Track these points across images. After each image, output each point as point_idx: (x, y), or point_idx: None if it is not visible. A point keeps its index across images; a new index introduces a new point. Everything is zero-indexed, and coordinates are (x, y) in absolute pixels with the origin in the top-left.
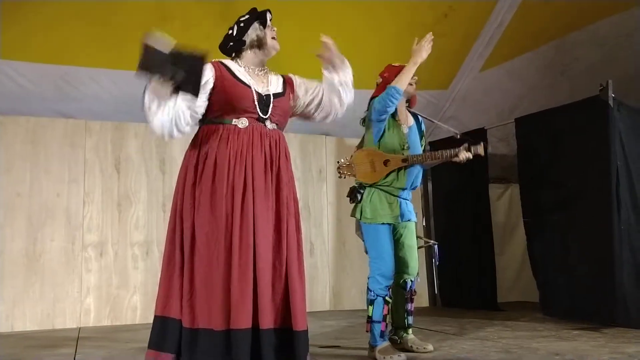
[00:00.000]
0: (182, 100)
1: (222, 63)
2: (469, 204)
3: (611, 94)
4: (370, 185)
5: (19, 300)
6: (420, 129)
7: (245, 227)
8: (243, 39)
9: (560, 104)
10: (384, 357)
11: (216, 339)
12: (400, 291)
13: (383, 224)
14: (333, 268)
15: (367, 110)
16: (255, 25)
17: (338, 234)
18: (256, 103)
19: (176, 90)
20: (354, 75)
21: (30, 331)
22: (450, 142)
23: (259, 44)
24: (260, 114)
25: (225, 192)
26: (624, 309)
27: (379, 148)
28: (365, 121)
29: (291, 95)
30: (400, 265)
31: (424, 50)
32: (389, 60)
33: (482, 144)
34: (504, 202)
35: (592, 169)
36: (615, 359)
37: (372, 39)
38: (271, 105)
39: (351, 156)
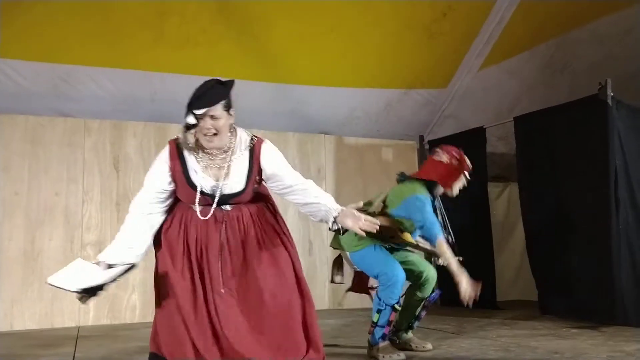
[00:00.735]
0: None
1: (178, 149)
2: (468, 203)
3: (610, 93)
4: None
5: (18, 299)
6: None
7: (207, 314)
8: (182, 137)
9: (560, 102)
10: (384, 357)
11: None
12: (413, 300)
13: (369, 246)
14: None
15: (414, 194)
16: (185, 126)
17: None
18: (202, 204)
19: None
20: (352, 73)
21: (29, 330)
22: (449, 140)
23: (193, 143)
24: (211, 206)
25: (179, 274)
26: (622, 308)
27: (398, 220)
28: (402, 181)
29: (257, 179)
30: (415, 274)
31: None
32: (386, 59)
33: (461, 258)
34: (503, 201)
35: (591, 167)
36: (613, 358)
37: (371, 37)
38: (225, 202)
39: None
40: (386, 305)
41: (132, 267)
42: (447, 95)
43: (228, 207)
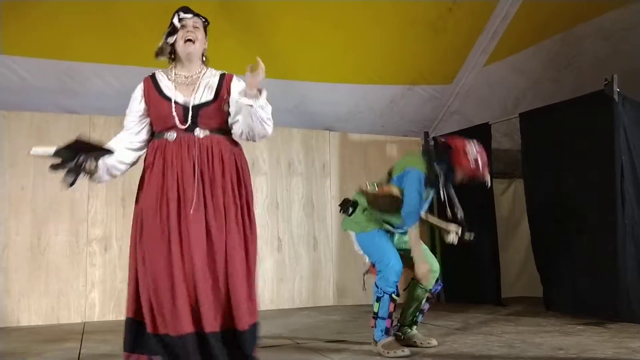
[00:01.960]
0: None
1: (152, 77)
2: (472, 199)
3: (616, 89)
4: (367, 204)
5: (24, 294)
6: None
7: (178, 236)
8: (159, 47)
9: (565, 98)
10: (388, 352)
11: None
12: (417, 292)
13: (374, 229)
14: (337, 263)
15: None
16: (168, 31)
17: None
18: (175, 115)
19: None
20: (356, 69)
21: (35, 325)
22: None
23: (167, 52)
24: (184, 124)
25: (160, 204)
26: (628, 304)
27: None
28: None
29: (226, 97)
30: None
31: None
32: (391, 55)
33: (472, 234)
34: (508, 197)
35: (597, 163)
36: (619, 354)
37: (373, 34)
38: (190, 114)
39: (380, 186)
40: (384, 292)
41: (107, 152)
42: (452, 91)
43: (200, 134)
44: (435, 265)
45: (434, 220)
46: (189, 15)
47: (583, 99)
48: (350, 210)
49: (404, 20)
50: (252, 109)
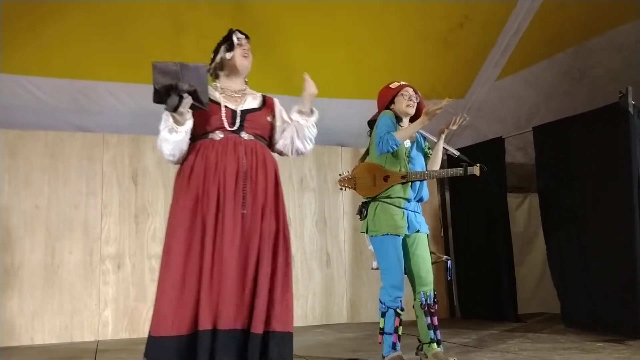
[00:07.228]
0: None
1: None
2: (487, 214)
3: (631, 101)
4: (374, 199)
5: (38, 312)
6: (421, 145)
7: (213, 232)
8: (212, 64)
9: (578, 111)
10: None
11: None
12: (416, 305)
13: (387, 234)
14: (350, 279)
15: (372, 129)
16: (222, 49)
17: (355, 245)
18: (224, 117)
19: (192, 106)
20: (367, 85)
21: (49, 344)
22: (467, 151)
23: (225, 66)
24: (232, 126)
25: (198, 199)
26: None
27: (384, 164)
28: (371, 134)
29: (269, 112)
30: (413, 277)
31: (432, 115)
32: (400, 70)
33: (478, 165)
34: (523, 212)
35: (613, 176)
36: None
37: (383, 49)
38: (238, 118)
39: (353, 169)
40: (388, 307)
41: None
42: (465, 106)
43: (245, 136)
44: (423, 279)
45: (435, 173)
46: (244, 37)
47: (598, 112)
48: (365, 212)
49: (415, 35)
50: (300, 126)
